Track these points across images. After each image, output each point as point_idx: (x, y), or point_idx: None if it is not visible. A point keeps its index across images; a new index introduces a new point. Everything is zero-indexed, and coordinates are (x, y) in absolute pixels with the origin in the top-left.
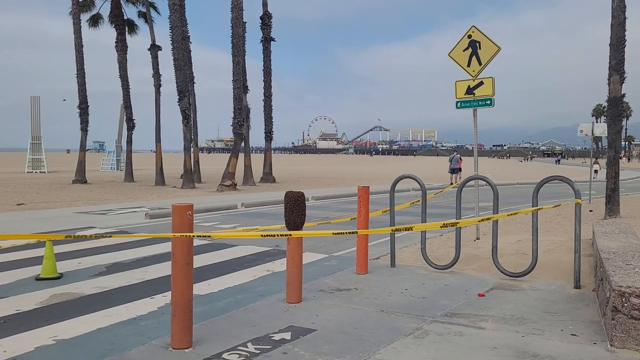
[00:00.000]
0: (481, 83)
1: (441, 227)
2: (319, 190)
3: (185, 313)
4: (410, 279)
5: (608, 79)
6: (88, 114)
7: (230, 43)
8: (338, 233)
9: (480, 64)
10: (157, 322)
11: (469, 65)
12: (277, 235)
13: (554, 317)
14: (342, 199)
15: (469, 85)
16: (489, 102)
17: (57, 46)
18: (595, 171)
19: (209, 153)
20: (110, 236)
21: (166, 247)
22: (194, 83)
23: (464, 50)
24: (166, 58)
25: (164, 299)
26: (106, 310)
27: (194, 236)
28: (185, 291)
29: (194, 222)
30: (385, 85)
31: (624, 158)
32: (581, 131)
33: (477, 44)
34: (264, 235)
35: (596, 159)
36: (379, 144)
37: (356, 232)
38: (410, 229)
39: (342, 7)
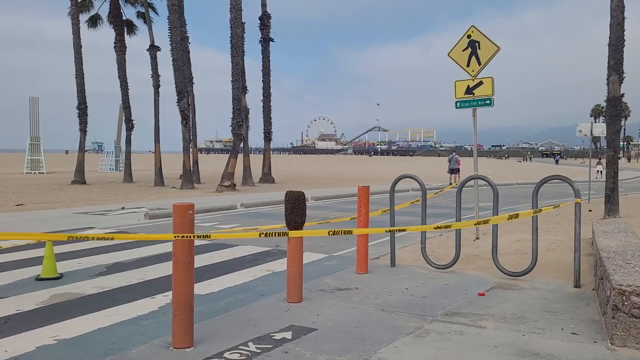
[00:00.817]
0: (481, 83)
1: (435, 228)
2: (319, 190)
3: (186, 312)
4: (411, 278)
5: (607, 79)
6: (87, 115)
7: (229, 44)
8: (335, 232)
9: (479, 63)
10: (158, 321)
11: (468, 65)
12: (276, 234)
13: (554, 316)
14: (341, 199)
15: (468, 85)
16: (488, 101)
17: (57, 47)
18: (599, 171)
19: (207, 154)
20: (113, 238)
21: (166, 247)
22: (192, 83)
23: (463, 50)
24: (165, 58)
25: (165, 298)
26: (107, 310)
27: (194, 237)
28: (187, 291)
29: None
30: (384, 86)
31: (623, 158)
32: (580, 131)
33: (477, 43)
34: (262, 235)
35: (599, 159)
36: (377, 145)
37: (351, 232)
38: (404, 230)
39: (341, 8)
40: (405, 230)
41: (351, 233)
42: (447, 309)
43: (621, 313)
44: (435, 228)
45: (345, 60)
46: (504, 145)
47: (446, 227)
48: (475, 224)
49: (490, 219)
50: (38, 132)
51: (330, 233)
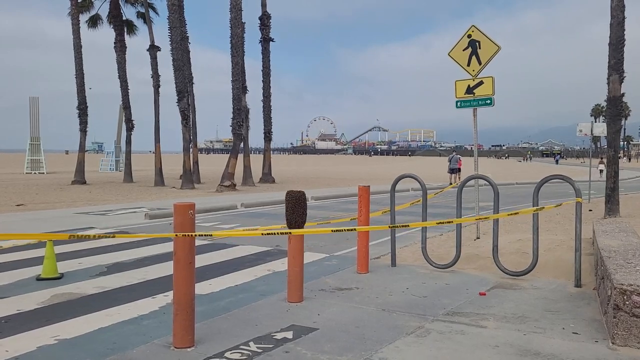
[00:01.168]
0: (481, 82)
1: (437, 223)
2: (319, 190)
3: (187, 312)
4: (411, 278)
5: (607, 79)
6: (87, 115)
7: (229, 44)
8: (337, 230)
9: (480, 63)
10: (158, 321)
11: (468, 65)
12: (278, 233)
13: (555, 315)
14: (341, 199)
15: (468, 85)
16: (489, 101)
17: (57, 47)
18: (601, 171)
19: (207, 154)
20: (114, 236)
21: (167, 247)
22: (193, 83)
23: (463, 50)
24: (165, 58)
25: (166, 298)
26: (107, 310)
27: (196, 236)
28: (187, 290)
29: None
30: (384, 86)
31: (624, 158)
32: (580, 131)
33: (477, 43)
34: (265, 233)
35: (601, 158)
36: (377, 145)
37: (354, 229)
38: (407, 225)
39: (342, 8)
40: (407, 226)
41: (354, 230)
42: (448, 308)
43: (622, 312)
44: (437, 223)
45: (345, 60)
46: (504, 145)
47: (448, 222)
48: (476, 219)
49: (491, 216)
50: (38, 132)
51: (333, 230)
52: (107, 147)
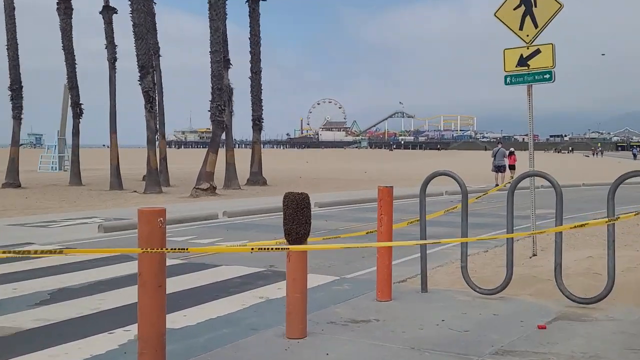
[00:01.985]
0: (538, 51)
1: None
2: (324, 195)
3: (157, 351)
4: (448, 306)
5: None
6: (22, 98)
7: (207, 3)
8: (349, 247)
9: (536, 26)
10: None
11: (521, 29)
12: (273, 249)
13: (638, 355)
14: (353, 206)
15: (521, 55)
16: (547, 75)
17: None
18: None
19: (178, 148)
20: (61, 252)
21: (128, 268)
22: (159, 56)
23: (514, 9)
24: (124, 24)
25: (127, 333)
26: (51, 350)
27: (167, 252)
28: (156, 322)
29: None
30: (408, 59)
31: None
32: None
33: (532, 0)
34: (256, 249)
35: None
36: (400, 135)
37: (374, 245)
38: (439, 242)
39: None
40: (440, 242)
41: (373, 246)
42: (497, 346)
43: None
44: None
45: (357, 25)
46: (566, 135)
47: (493, 238)
48: (531, 234)
49: (551, 229)
50: None
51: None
52: (47, 139)
